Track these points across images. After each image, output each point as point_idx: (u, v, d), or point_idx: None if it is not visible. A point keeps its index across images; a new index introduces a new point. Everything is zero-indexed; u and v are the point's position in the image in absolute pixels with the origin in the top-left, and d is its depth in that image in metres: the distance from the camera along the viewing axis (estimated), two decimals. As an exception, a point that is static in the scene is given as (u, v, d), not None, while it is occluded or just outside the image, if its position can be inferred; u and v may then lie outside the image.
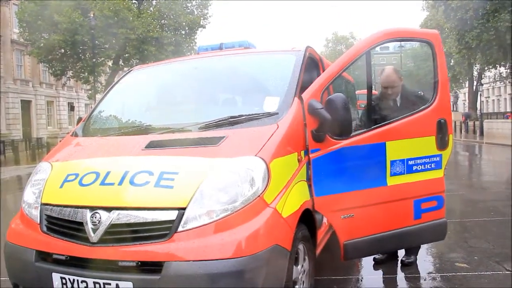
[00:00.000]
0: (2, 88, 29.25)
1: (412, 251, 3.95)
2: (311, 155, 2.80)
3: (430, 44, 3.35)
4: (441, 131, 3.24)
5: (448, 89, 3.44)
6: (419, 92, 3.83)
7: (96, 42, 22.57)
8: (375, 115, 3.34)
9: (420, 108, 3.31)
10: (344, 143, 2.89)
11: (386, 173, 3.11)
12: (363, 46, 3.12)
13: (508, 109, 48.15)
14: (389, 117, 3.27)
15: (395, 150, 3.11)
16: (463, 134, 29.25)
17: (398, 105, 3.76)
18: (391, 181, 3.11)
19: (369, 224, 3.05)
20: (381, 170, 3.09)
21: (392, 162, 3.11)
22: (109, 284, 2.18)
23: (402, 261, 3.97)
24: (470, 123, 30.49)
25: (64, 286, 2.29)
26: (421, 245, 4.06)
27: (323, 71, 3.73)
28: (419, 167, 3.23)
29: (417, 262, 4.01)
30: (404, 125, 3.17)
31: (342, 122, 2.75)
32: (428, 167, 3.26)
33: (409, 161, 3.18)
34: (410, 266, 3.90)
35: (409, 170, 3.18)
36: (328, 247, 3.57)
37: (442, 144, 3.26)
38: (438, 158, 3.28)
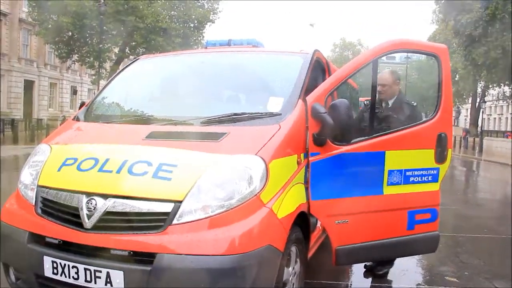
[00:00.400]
0: (6, 66, 29.19)
1: (386, 262, 3.92)
2: (310, 158, 2.80)
3: (437, 58, 3.35)
4: (441, 145, 3.26)
5: (451, 104, 3.45)
6: (413, 103, 3.85)
7: (104, 27, 22.50)
8: (368, 116, 3.33)
9: (422, 120, 3.33)
10: (345, 149, 2.90)
11: (383, 182, 3.12)
12: (370, 55, 3.13)
13: (509, 128, 48.18)
14: (378, 118, 3.32)
15: (394, 160, 3.12)
16: (462, 149, 29.28)
17: (389, 107, 3.76)
18: (388, 190, 3.13)
19: (363, 231, 3.05)
20: (379, 179, 3.10)
21: (390, 172, 3.12)
22: (100, 271, 2.18)
23: (372, 270, 3.94)
24: (470, 139, 30.53)
25: (55, 270, 2.28)
26: (413, 256, 4.07)
27: (329, 75, 3.73)
28: (416, 179, 3.24)
29: (408, 273, 4.02)
30: (404, 136, 3.18)
31: (344, 127, 2.77)
32: (425, 179, 3.28)
33: (407, 172, 3.19)
34: (382, 278, 3.88)
35: (406, 181, 3.20)
36: (320, 251, 3.58)
37: (440, 157, 3.28)
38: (435, 171, 3.30)
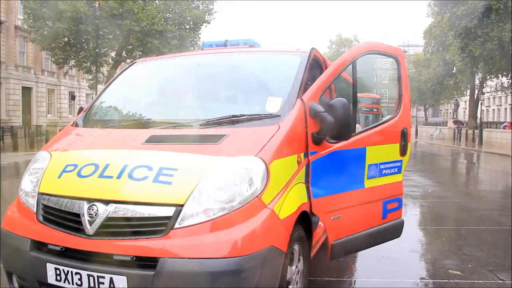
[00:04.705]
0: (3, 74, 29.17)
1: None
2: (309, 157, 2.82)
3: (396, 59, 3.65)
4: (404, 139, 3.57)
5: (409, 101, 3.78)
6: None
7: (100, 32, 22.51)
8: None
9: (390, 117, 3.60)
10: (336, 146, 3.00)
11: (364, 176, 3.32)
12: (350, 56, 3.23)
13: (508, 119, 48.20)
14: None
15: (372, 155, 3.35)
16: (462, 142, 29.30)
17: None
18: (368, 183, 3.34)
19: (351, 224, 3.21)
20: (362, 173, 3.30)
21: (369, 166, 3.34)
22: (103, 277, 2.18)
23: None
24: (470, 132, 30.54)
25: (58, 277, 2.28)
26: (415, 250, 4.06)
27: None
28: (387, 171, 3.51)
29: (411, 267, 4.03)
30: (379, 132, 3.43)
31: (344, 125, 2.79)
32: (393, 171, 3.58)
33: (381, 165, 3.45)
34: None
35: (380, 173, 3.44)
36: (322, 248, 3.58)
37: (403, 150, 3.60)
38: (399, 164, 3.62)
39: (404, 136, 3.56)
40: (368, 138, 3.32)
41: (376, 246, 3.50)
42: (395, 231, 3.66)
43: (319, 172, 2.88)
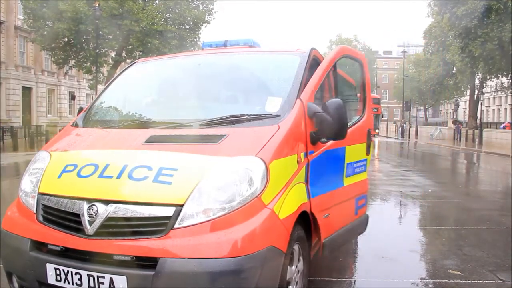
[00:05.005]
0: (3, 74, 29.17)
1: None
2: (308, 157, 2.83)
3: (360, 63, 3.88)
4: (369, 139, 3.84)
5: (371, 103, 4.10)
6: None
7: (100, 32, 22.51)
8: None
9: (359, 118, 3.79)
10: (327, 145, 3.08)
11: (343, 175, 3.48)
12: (331, 59, 3.32)
13: (508, 119, 48.19)
14: None
15: (349, 154, 3.51)
16: (462, 142, 29.30)
17: None
18: (346, 181, 3.50)
19: (336, 221, 3.31)
20: (342, 172, 3.46)
21: (348, 165, 3.52)
22: (103, 277, 2.18)
23: None
24: (470, 132, 30.53)
25: (58, 277, 2.28)
26: (415, 250, 4.07)
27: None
28: (357, 170, 3.72)
29: (411, 267, 4.03)
30: (353, 132, 3.54)
31: (341, 125, 2.83)
32: (362, 169, 3.81)
33: (354, 164, 3.63)
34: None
35: (353, 172, 3.63)
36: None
37: (368, 150, 3.85)
38: (365, 162, 3.85)
39: (369, 136, 3.85)
40: (348, 137, 3.34)
41: (376, 246, 3.53)
42: (363, 226, 3.98)
43: (315, 172, 2.94)
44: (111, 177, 2.40)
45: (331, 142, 3.09)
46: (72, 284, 2.25)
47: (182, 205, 2.20)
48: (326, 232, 3.08)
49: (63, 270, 2.27)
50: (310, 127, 2.84)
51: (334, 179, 3.34)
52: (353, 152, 3.58)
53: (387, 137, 40.29)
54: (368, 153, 3.86)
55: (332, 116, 2.76)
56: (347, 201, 3.51)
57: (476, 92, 37.94)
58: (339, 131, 2.85)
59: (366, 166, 3.89)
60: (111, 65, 26.57)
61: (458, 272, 3.94)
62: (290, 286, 2.59)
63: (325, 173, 3.17)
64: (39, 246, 2.42)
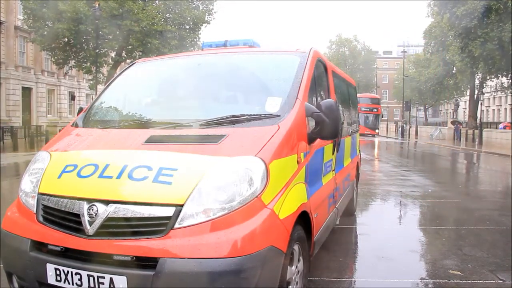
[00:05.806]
0: (3, 74, 29.17)
1: None
2: (308, 157, 2.86)
3: (325, 68, 3.89)
4: (336, 140, 3.91)
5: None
6: None
7: (100, 32, 22.49)
8: None
9: None
10: (316, 145, 3.14)
11: (322, 174, 3.55)
12: (313, 60, 3.36)
13: (508, 119, 48.19)
14: None
15: (325, 154, 3.63)
16: (462, 142, 29.30)
17: None
18: (323, 180, 3.59)
19: (320, 220, 3.38)
20: (321, 171, 3.53)
21: (324, 164, 3.62)
22: (103, 277, 2.17)
23: None
24: (470, 132, 30.53)
25: (58, 277, 2.28)
26: (415, 250, 4.06)
27: (327, 73, 3.79)
28: (327, 169, 3.78)
29: (411, 267, 4.03)
30: None
31: (336, 125, 2.87)
32: (330, 169, 3.89)
33: (326, 164, 3.70)
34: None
35: (326, 171, 3.70)
36: (322, 249, 3.59)
37: (333, 150, 3.96)
38: (331, 162, 3.93)
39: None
40: None
41: (376, 246, 3.52)
42: (333, 223, 4.16)
43: (310, 171, 3.01)
44: (111, 177, 2.40)
45: (317, 141, 3.13)
46: (72, 284, 2.25)
47: (182, 205, 2.20)
48: (315, 230, 3.14)
49: (63, 270, 2.27)
50: (308, 127, 2.88)
51: (318, 178, 3.42)
52: (326, 152, 3.68)
53: (387, 137, 40.29)
54: (333, 153, 3.95)
55: (328, 116, 2.81)
56: (326, 199, 3.62)
57: (476, 92, 37.92)
58: (335, 131, 2.90)
59: (332, 166, 3.98)
60: (111, 65, 26.56)
61: (458, 272, 3.95)
62: (290, 286, 2.59)
63: (315, 172, 3.25)
64: (39, 246, 2.42)
